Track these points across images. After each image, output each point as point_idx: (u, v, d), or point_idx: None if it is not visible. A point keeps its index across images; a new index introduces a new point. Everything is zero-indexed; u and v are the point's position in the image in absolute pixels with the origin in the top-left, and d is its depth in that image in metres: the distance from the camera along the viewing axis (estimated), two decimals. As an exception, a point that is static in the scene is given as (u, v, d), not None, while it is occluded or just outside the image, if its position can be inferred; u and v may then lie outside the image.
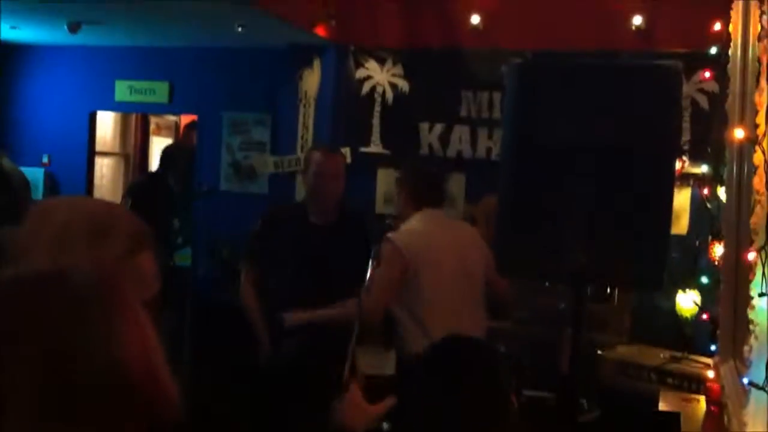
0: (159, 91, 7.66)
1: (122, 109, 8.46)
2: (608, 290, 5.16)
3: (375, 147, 6.75)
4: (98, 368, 0.90)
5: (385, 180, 6.78)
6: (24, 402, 0.85)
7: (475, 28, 6.30)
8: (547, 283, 4.77)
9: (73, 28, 6.56)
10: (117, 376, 0.91)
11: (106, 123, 9.20)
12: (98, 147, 8.34)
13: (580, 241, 2.62)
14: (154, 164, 10.16)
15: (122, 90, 7.76)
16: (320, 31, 6.30)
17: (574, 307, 2.88)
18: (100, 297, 0.95)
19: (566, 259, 2.62)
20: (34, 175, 7.77)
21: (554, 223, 2.64)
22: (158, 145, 10.44)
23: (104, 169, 9.12)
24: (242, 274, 4.29)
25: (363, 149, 6.74)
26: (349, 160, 6.67)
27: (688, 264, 4.85)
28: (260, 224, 4.26)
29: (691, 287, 4.76)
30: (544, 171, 2.63)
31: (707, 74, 5.35)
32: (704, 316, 4.53)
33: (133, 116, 9.76)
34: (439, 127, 6.55)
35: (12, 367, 0.87)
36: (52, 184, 7.81)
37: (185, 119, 9.95)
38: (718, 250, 4.51)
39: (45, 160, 8.01)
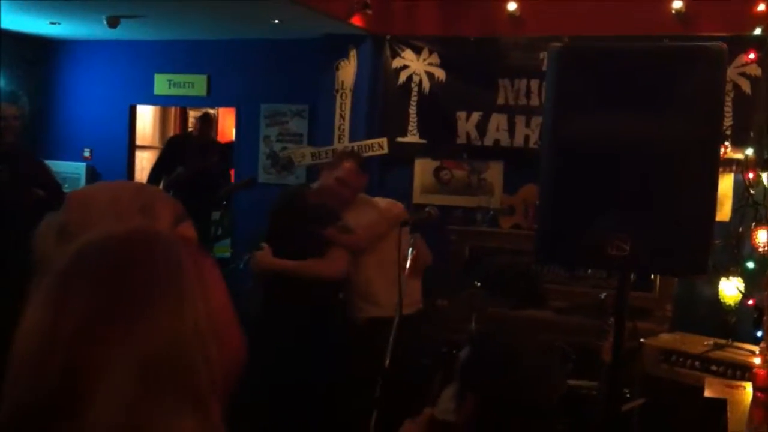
0: (197, 84, 7.73)
1: (161, 102, 8.56)
2: (650, 278, 5.11)
3: (412, 137, 6.75)
4: (200, 327, 0.90)
5: (422, 170, 6.78)
6: (128, 368, 0.85)
7: (511, 15, 6.25)
8: (589, 272, 4.74)
9: (112, 22, 6.63)
10: (212, 332, 0.91)
11: (146, 116, 9.31)
12: (138, 140, 8.45)
13: (622, 228, 2.60)
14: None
15: (161, 83, 7.85)
16: (356, 21, 6.30)
17: (617, 295, 2.87)
18: (187, 251, 0.95)
19: (609, 247, 2.60)
20: (76, 168, 7.91)
21: (596, 210, 2.62)
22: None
23: (144, 162, 9.23)
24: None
25: (400, 139, 6.74)
26: (386, 150, 6.70)
27: (731, 250, 4.78)
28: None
29: (734, 274, 4.69)
30: (585, 157, 2.61)
31: (752, 56, 5.26)
32: (749, 303, 4.47)
33: (172, 109, 9.87)
34: (476, 116, 6.53)
35: (122, 331, 0.86)
36: (93, 178, 7.93)
37: (223, 112, 10.06)
38: (761, 236, 4.45)
39: (86, 153, 8.13)
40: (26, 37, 7.80)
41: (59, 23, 7.19)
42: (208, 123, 7.96)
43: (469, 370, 1.84)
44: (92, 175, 7.98)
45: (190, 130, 8.10)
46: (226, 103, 8.27)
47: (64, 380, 0.85)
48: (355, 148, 6.73)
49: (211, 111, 10.33)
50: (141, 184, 1.48)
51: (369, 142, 6.74)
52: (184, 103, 8.90)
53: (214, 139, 8.13)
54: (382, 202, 4.62)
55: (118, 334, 0.87)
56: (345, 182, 4.29)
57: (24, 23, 7.27)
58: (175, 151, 7.50)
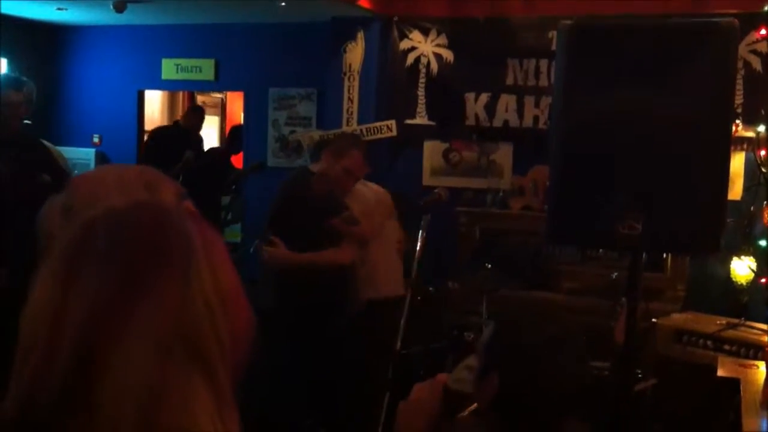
0: (205, 68, 7.71)
1: (169, 87, 8.54)
2: (662, 258, 5.09)
3: (420, 119, 6.72)
4: (208, 297, 0.90)
5: (431, 152, 6.76)
6: (140, 341, 0.85)
7: (520, -6, 6.21)
8: (600, 252, 4.72)
9: (119, 7, 6.61)
10: (221, 302, 0.91)
11: (154, 102, 9.31)
12: (146, 126, 8.45)
13: (634, 207, 2.58)
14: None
15: (169, 68, 7.83)
16: (363, 2, 6.27)
17: (629, 274, 2.85)
18: (192, 223, 0.95)
19: (621, 227, 2.59)
20: (86, 154, 7.92)
21: (607, 189, 2.61)
22: (205, 123, 10.55)
23: (153, 147, 9.23)
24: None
25: (408, 121, 6.71)
26: (394, 132, 6.68)
27: (742, 229, 4.75)
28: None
29: (746, 253, 4.67)
30: (596, 135, 2.59)
31: (763, 32, 5.20)
32: (762, 281, 4.45)
33: (180, 94, 9.86)
34: (484, 97, 6.49)
35: (133, 304, 0.87)
36: (103, 164, 7.94)
37: (231, 96, 10.05)
38: (774, 214, 4.42)
39: (95, 139, 8.14)
40: (33, 23, 7.79)
41: (66, 9, 7.18)
42: (198, 115, 7.93)
43: (495, 349, 1.81)
44: (102, 160, 7.99)
45: (176, 119, 8.07)
46: (234, 88, 8.24)
47: (77, 360, 0.84)
48: (364, 130, 6.72)
49: (218, 96, 10.34)
50: (143, 166, 1.48)
51: (377, 124, 6.72)
52: (192, 88, 8.89)
53: (198, 134, 8.09)
54: (369, 191, 4.57)
55: (129, 308, 0.86)
56: (352, 173, 4.26)
57: (31, 9, 7.26)
58: (161, 143, 7.49)
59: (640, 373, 3.71)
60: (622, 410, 2.90)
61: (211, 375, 0.89)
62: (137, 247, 0.90)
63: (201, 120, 8.02)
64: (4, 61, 7.48)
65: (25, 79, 4.47)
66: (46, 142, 4.59)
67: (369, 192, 4.54)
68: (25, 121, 4.37)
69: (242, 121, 8.09)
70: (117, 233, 0.91)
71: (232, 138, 8.12)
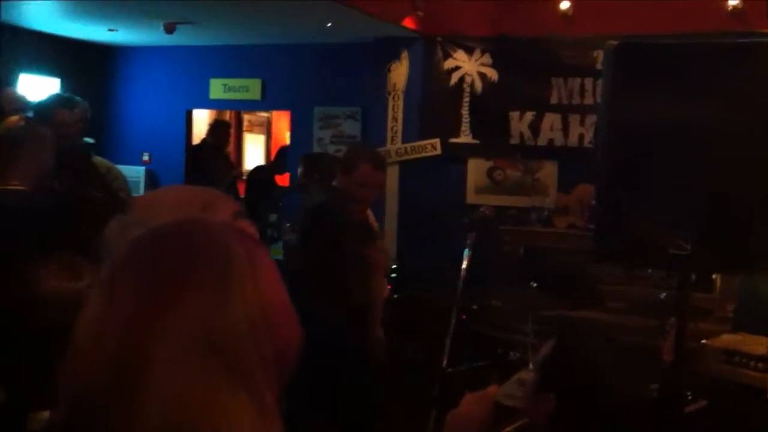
0: (252, 88, 7.83)
1: (217, 106, 8.69)
2: (711, 278, 5.02)
3: (464, 137, 6.74)
4: (250, 311, 0.92)
5: (475, 170, 6.76)
6: (177, 353, 0.88)
7: (564, 14, 6.20)
8: (649, 271, 4.67)
9: (169, 28, 6.77)
10: (267, 317, 0.93)
11: (202, 121, 9.46)
12: (194, 144, 8.58)
13: (683, 225, 2.56)
14: (247, 161, 10.41)
15: (217, 88, 7.97)
16: (408, 23, 6.32)
17: (678, 294, 2.83)
18: (238, 239, 0.98)
19: (669, 245, 2.57)
20: (136, 172, 8.08)
21: (656, 208, 2.59)
22: (251, 142, 10.69)
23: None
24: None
25: (452, 140, 6.73)
26: (438, 151, 6.70)
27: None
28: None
29: (798, 273, 4.57)
30: (643, 154, 2.58)
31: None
32: (814, 303, 4.36)
33: (227, 113, 10.01)
34: (529, 116, 6.49)
35: (167, 316, 0.89)
36: (152, 181, 8.09)
37: (276, 115, 10.18)
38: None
39: (145, 158, 8.30)
40: (86, 44, 8.00)
41: (117, 30, 7.36)
42: (221, 130, 7.95)
43: (554, 369, 1.80)
44: (151, 178, 8.14)
45: (204, 138, 8.19)
46: (280, 107, 8.36)
47: (118, 372, 0.88)
48: (408, 149, 6.75)
49: (264, 115, 10.46)
50: (203, 187, 1.53)
51: (422, 143, 6.76)
52: (238, 107, 9.03)
53: (227, 149, 8.15)
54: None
55: (165, 319, 0.89)
56: (367, 186, 4.07)
57: (83, 31, 7.45)
58: (196, 159, 7.59)
59: (689, 395, 3.65)
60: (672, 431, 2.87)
61: (252, 387, 0.90)
62: (173, 263, 0.93)
63: (227, 135, 8.09)
64: (58, 82, 7.68)
65: (78, 98, 4.57)
66: (105, 161, 4.68)
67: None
68: (87, 140, 4.46)
69: (288, 140, 8.19)
70: (156, 250, 0.95)
71: (278, 158, 8.22)
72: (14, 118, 3.69)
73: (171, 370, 0.87)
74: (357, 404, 3.97)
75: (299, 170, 5.86)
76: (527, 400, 1.81)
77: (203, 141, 7.95)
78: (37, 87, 7.52)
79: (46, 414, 1.69)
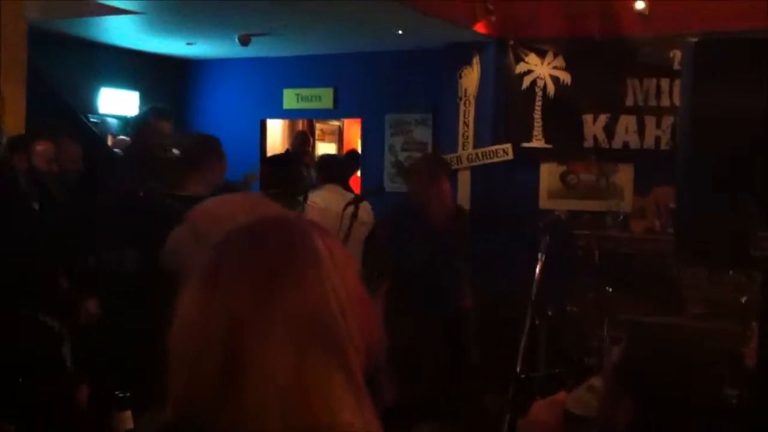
0: (324, 97, 7.92)
1: (290, 116, 8.81)
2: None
3: (537, 142, 6.67)
4: (339, 299, 0.97)
5: (548, 174, 6.69)
6: (281, 343, 0.92)
7: (639, 13, 6.09)
8: (730, 273, 4.55)
9: (244, 40, 6.90)
10: (350, 304, 0.98)
11: (275, 130, 9.60)
12: (269, 154, 8.72)
13: (766, 226, 2.49)
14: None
15: (290, 98, 8.09)
16: (480, 27, 6.30)
17: (762, 296, 2.74)
18: (317, 232, 1.02)
19: (752, 246, 2.50)
20: (212, 182, 8.24)
21: (738, 208, 2.52)
22: (323, 150, 10.80)
23: (274, 174, 9.50)
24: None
25: (525, 144, 6.68)
26: (510, 155, 6.65)
27: None
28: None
29: None
30: (724, 153, 2.52)
31: None
32: None
33: (300, 122, 10.14)
34: (603, 118, 6.39)
35: (270, 309, 0.94)
36: (229, 190, 8.23)
37: (348, 123, 10.26)
38: None
39: (219, 168, 8.45)
40: (163, 58, 8.22)
41: (194, 44, 7.54)
42: (301, 139, 8.07)
43: (628, 372, 1.74)
44: (227, 188, 8.28)
45: (287, 148, 8.29)
46: (351, 115, 8.43)
47: (224, 367, 0.92)
48: (480, 154, 6.73)
49: (336, 123, 10.57)
50: (245, 194, 1.62)
51: (494, 148, 6.72)
52: (311, 116, 9.14)
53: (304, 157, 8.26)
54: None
55: (266, 313, 0.94)
56: (426, 196, 4.25)
57: (162, 45, 7.66)
58: (275, 170, 7.65)
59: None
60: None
61: (348, 370, 0.95)
62: (268, 257, 0.98)
63: (305, 143, 8.20)
64: (137, 95, 7.91)
65: (170, 109, 4.69)
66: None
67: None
68: (176, 151, 4.58)
69: (359, 147, 8.24)
70: (247, 247, 0.99)
71: (348, 159, 8.25)
72: (198, 134, 3.95)
73: (278, 359, 0.92)
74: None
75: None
76: (600, 407, 1.76)
77: (287, 151, 8.10)
78: (117, 100, 7.77)
79: (128, 414, 1.73)
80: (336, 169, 5.13)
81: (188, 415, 0.92)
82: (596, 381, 1.83)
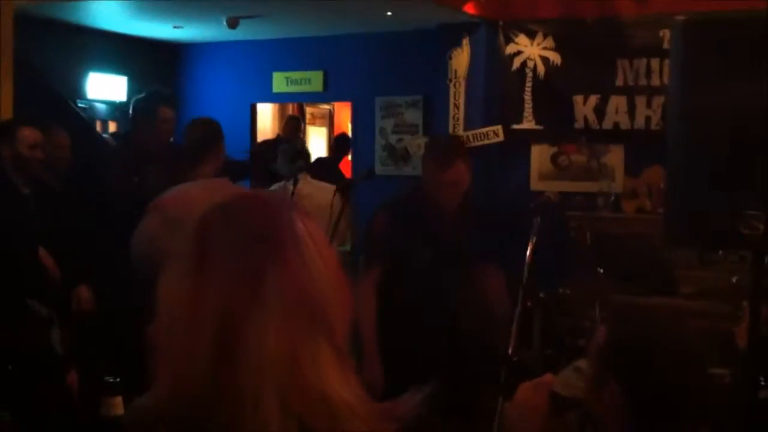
0: (314, 80, 7.89)
1: (280, 100, 8.78)
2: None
3: (528, 123, 6.66)
4: (319, 269, 0.98)
5: (539, 156, 6.69)
6: (271, 316, 0.93)
7: (629, -7, 6.07)
8: (720, 253, 4.56)
9: (232, 23, 6.86)
10: (330, 276, 0.99)
11: (266, 114, 9.57)
12: (259, 137, 8.69)
13: (756, 206, 2.49)
14: (311, 153, 10.48)
15: (279, 81, 8.05)
16: (469, 8, 6.28)
17: (751, 277, 2.75)
18: (298, 214, 1.03)
19: (742, 226, 2.50)
20: (202, 167, 8.21)
21: (728, 188, 2.52)
22: (314, 134, 10.77)
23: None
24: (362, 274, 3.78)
25: (515, 126, 6.67)
26: (501, 137, 6.64)
27: None
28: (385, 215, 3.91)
29: None
30: (715, 133, 2.51)
31: None
32: None
33: (289, 106, 10.10)
34: (593, 99, 6.38)
35: (260, 285, 0.94)
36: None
37: (338, 106, 10.23)
38: None
39: (211, 152, 8.43)
40: (151, 41, 8.16)
41: (182, 27, 7.49)
42: (293, 124, 8.08)
43: (614, 357, 1.73)
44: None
45: (278, 133, 8.27)
46: (342, 98, 8.40)
47: (216, 346, 0.92)
48: (471, 136, 6.71)
49: (326, 107, 10.54)
50: (213, 179, 1.59)
51: (484, 130, 6.71)
52: (301, 99, 9.10)
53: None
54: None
55: (256, 288, 0.94)
56: (441, 184, 3.70)
57: (149, 29, 7.61)
58: (267, 156, 7.65)
59: (763, 381, 3.56)
60: (746, 418, 2.79)
61: (334, 340, 0.97)
62: (253, 233, 0.98)
63: (297, 129, 8.17)
64: (125, 80, 7.86)
65: (173, 94, 4.63)
66: None
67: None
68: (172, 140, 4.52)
69: (350, 131, 8.22)
70: (231, 224, 0.99)
71: (338, 144, 8.23)
72: (202, 119, 3.90)
73: (269, 340, 0.92)
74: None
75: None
76: (586, 389, 1.76)
77: (277, 136, 8.08)
78: (105, 85, 7.72)
79: (119, 399, 1.72)
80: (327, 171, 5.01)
81: (180, 407, 0.92)
82: (583, 363, 1.82)
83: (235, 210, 1.01)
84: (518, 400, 1.81)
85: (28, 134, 3.86)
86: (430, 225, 3.81)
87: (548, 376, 1.83)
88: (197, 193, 1.40)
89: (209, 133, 3.70)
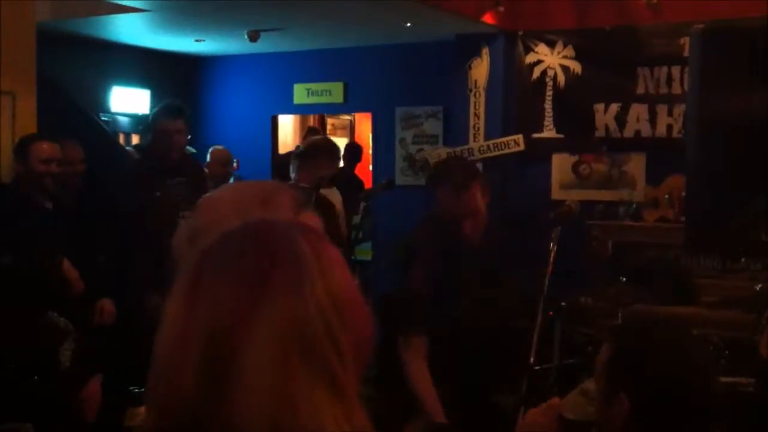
0: (334, 91, 7.92)
1: (301, 111, 8.82)
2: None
3: (548, 132, 6.65)
4: (322, 305, 0.94)
5: (559, 165, 6.67)
6: (260, 350, 0.91)
7: (648, 2, 6.05)
8: (742, 261, 4.53)
9: (253, 36, 6.91)
10: (336, 307, 0.96)
11: (287, 126, 9.62)
12: (280, 149, 8.73)
13: (777, 214, 2.47)
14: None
15: (300, 93, 8.09)
16: (488, 18, 6.28)
17: (774, 285, 2.73)
18: (304, 236, 1.00)
19: (764, 234, 2.49)
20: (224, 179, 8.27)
21: (748, 195, 2.51)
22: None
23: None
24: (405, 343, 3.20)
25: (536, 135, 6.66)
26: (522, 147, 6.63)
27: None
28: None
29: None
30: (734, 140, 2.50)
31: None
32: None
33: (311, 117, 10.15)
34: (614, 107, 6.36)
35: (249, 316, 0.92)
36: (240, 187, 8.26)
37: (359, 117, 10.26)
38: None
39: (233, 164, 8.48)
40: (174, 55, 8.24)
41: (204, 40, 7.56)
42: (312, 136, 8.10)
43: (622, 370, 1.70)
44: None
45: (297, 145, 8.32)
46: (362, 109, 8.44)
47: (205, 371, 0.91)
48: (491, 146, 6.71)
49: (347, 118, 10.57)
50: (263, 181, 1.57)
51: (505, 139, 6.70)
52: (322, 111, 9.14)
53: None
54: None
55: (247, 319, 0.92)
56: (455, 211, 3.34)
57: (171, 42, 7.69)
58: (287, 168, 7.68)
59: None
60: (770, 428, 2.76)
61: (331, 377, 0.93)
62: (247, 264, 0.96)
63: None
64: (148, 93, 7.94)
65: (184, 106, 4.68)
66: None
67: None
68: (189, 149, 4.56)
69: (370, 141, 8.24)
70: (228, 254, 0.98)
71: (350, 153, 8.18)
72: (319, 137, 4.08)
73: (257, 367, 0.90)
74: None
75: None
76: (597, 409, 1.73)
77: (297, 147, 8.10)
78: (128, 99, 7.80)
79: (142, 410, 1.74)
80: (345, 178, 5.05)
81: (168, 422, 0.92)
82: (589, 384, 1.80)
83: (236, 238, 1.00)
84: (526, 424, 1.80)
85: (40, 149, 3.86)
86: (469, 272, 3.44)
87: (555, 400, 1.81)
88: (234, 201, 1.39)
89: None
